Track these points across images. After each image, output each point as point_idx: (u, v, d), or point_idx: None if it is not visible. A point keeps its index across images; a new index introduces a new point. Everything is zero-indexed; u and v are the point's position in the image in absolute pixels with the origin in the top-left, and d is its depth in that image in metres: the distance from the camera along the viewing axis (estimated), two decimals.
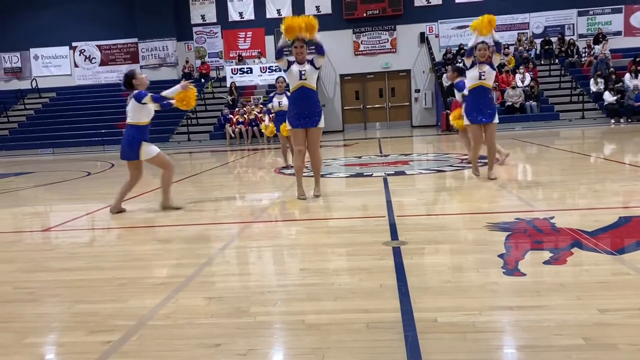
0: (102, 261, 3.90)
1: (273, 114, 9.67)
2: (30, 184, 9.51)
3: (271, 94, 9.53)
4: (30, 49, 23.20)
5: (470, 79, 6.41)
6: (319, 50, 5.75)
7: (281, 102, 8.94)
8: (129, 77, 5.60)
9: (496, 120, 6.41)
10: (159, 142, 18.73)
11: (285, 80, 8.71)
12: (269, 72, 20.88)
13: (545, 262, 3.22)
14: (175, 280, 3.28)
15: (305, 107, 5.75)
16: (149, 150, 5.64)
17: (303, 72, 5.66)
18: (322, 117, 5.91)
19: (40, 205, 7.12)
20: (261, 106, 18.15)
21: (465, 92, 6.68)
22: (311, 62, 5.74)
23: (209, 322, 2.60)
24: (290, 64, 5.71)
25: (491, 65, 6.31)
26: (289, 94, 8.60)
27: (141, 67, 22.77)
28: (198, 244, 4.32)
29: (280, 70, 19.01)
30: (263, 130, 10.69)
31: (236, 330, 2.48)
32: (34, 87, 22.66)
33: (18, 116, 21.61)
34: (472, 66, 6.34)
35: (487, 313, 2.51)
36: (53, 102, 22.30)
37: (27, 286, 3.36)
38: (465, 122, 6.58)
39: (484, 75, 6.28)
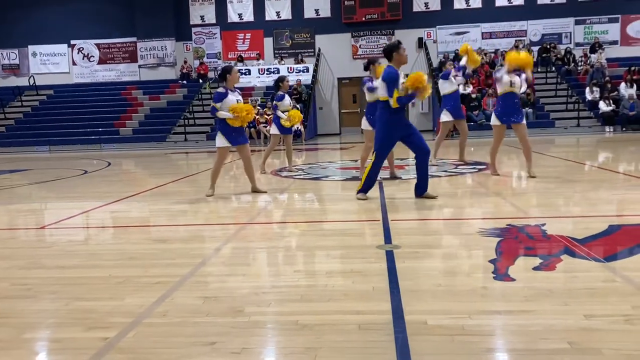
0: (99, 259, 3.94)
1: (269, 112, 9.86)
2: (25, 182, 9.53)
3: (280, 93, 8.98)
4: (29, 46, 23.17)
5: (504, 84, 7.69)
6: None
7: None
8: (225, 72, 6.84)
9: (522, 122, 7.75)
10: (155, 141, 18.86)
11: (289, 81, 9.74)
12: (267, 73, 20.93)
13: (535, 268, 3.28)
14: (171, 280, 3.33)
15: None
16: (217, 140, 6.57)
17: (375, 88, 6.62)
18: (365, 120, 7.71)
19: (36, 203, 7.14)
20: (259, 108, 18.17)
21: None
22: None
23: (204, 321, 2.65)
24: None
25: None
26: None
27: (139, 66, 22.81)
28: (194, 244, 4.37)
29: (280, 72, 19.32)
30: (285, 124, 8.84)
31: (231, 329, 2.53)
32: (31, 84, 22.64)
33: (15, 113, 21.59)
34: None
35: (476, 317, 2.57)
36: (50, 99, 22.29)
37: (24, 283, 3.40)
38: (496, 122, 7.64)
39: (514, 84, 7.72)
